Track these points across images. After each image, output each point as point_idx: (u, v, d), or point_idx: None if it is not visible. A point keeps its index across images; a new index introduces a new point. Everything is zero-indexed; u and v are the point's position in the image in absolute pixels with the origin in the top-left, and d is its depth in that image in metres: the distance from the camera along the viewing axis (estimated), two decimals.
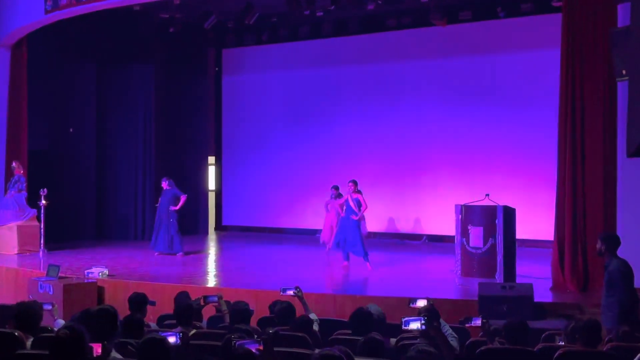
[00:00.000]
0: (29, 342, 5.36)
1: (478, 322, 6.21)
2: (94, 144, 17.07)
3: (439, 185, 15.76)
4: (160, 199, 14.09)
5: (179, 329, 6.02)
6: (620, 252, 7.25)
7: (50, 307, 6.67)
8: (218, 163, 19.14)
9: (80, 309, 6.86)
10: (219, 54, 18.99)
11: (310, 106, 17.60)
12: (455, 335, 6.17)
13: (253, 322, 6.88)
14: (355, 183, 12.35)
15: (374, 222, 15.34)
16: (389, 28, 16.27)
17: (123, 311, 6.35)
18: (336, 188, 14.06)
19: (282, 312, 6.63)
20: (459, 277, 10.65)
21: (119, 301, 10.36)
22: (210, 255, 15.25)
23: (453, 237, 10.93)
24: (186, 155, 18.08)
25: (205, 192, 18.63)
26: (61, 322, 6.55)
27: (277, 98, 18.13)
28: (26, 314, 5.61)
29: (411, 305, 6.37)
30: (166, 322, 7.26)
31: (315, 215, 16.46)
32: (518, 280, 10.29)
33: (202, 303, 7.08)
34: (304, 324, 6.27)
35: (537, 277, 10.69)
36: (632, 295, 7.13)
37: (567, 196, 10.16)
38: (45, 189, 13.90)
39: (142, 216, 16.94)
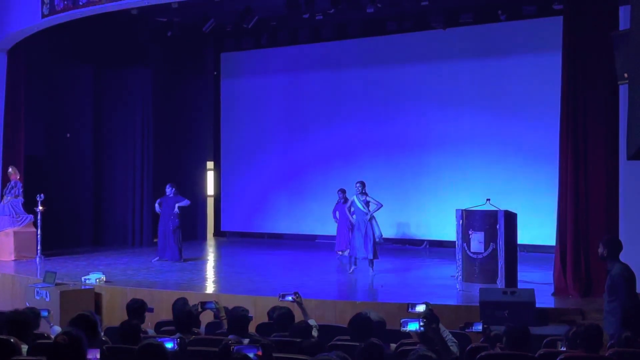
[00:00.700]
0: (24, 349, 5.31)
1: (479, 327, 6.17)
2: (91, 149, 17.00)
3: (439, 190, 15.69)
4: (162, 207, 13.82)
5: (177, 335, 5.95)
6: (623, 257, 7.18)
7: (46, 314, 6.62)
8: (217, 168, 19.04)
9: None
10: (217, 57, 18.90)
11: (309, 110, 17.54)
12: (455, 341, 6.10)
13: (252, 328, 6.82)
14: (362, 184, 12.26)
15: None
16: (390, 31, 16.24)
17: (121, 317, 6.28)
18: (343, 191, 13.91)
19: (281, 318, 6.63)
20: (460, 283, 10.58)
21: (116, 308, 10.35)
22: (208, 262, 15.14)
23: (454, 242, 10.84)
24: (184, 161, 18.02)
25: (203, 198, 18.55)
26: (57, 329, 6.55)
27: (277, 102, 18.06)
28: (20, 322, 5.57)
29: (410, 310, 6.35)
30: (163, 328, 7.20)
31: (315, 221, 16.41)
32: (519, 285, 10.22)
33: (199, 309, 7.01)
34: (303, 330, 6.23)
35: (539, 282, 10.64)
36: (634, 300, 7.06)
37: (569, 201, 10.11)
38: (42, 195, 13.80)
39: (140, 222, 16.79)
